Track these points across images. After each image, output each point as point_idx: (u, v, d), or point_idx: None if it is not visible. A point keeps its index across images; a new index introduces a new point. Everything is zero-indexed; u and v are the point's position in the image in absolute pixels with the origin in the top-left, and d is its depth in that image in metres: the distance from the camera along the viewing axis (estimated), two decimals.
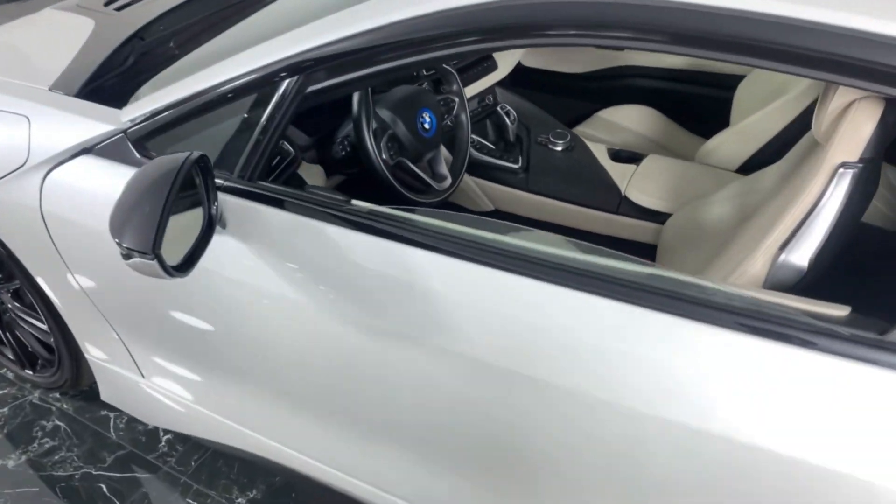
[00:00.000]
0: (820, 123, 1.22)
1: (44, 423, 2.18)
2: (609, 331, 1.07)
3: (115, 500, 1.95)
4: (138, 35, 1.86)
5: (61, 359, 2.06)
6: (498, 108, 2.39)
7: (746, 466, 1.04)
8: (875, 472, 0.96)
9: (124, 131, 1.43)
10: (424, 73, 2.07)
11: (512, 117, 2.39)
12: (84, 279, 1.65)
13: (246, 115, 1.34)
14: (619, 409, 1.09)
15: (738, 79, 2.39)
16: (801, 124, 1.93)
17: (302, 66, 1.24)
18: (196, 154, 1.19)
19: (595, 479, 1.21)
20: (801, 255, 1.20)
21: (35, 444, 2.12)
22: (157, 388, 1.79)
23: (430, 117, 1.81)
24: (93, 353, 1.91)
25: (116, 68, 1.76)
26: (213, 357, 1.59)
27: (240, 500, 1.93)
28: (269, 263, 1.30)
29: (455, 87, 2.01)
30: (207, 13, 1.99)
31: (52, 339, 2.02)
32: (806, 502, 1.02)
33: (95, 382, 2.02)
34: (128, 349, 1.76)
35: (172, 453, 2.06)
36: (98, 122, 1.47)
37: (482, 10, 1.08)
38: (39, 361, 2.18)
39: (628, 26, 1.01)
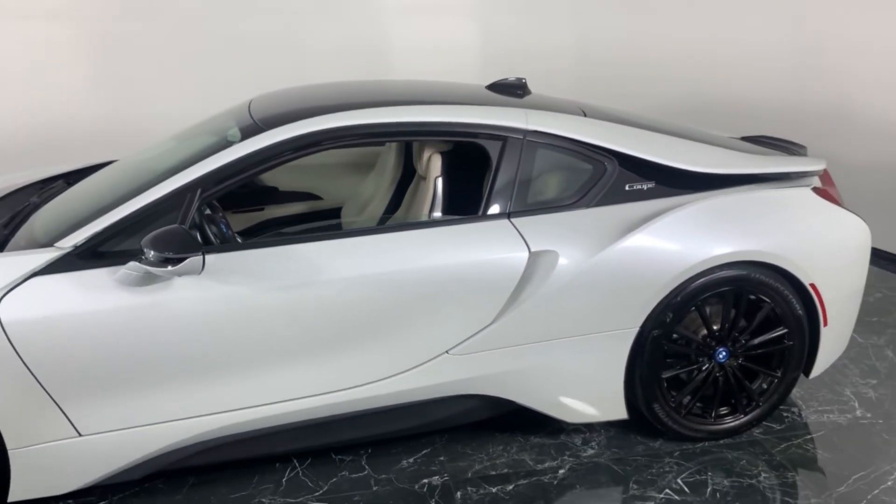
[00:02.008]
0: (421, 166, 2.69)
1: None
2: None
3: None
4: None
5: None
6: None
7: None
8: None
9: (69, 252, 2.14)
10: None
11: None
12: (39, 368, 2.08)
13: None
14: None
15: None
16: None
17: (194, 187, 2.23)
18: None
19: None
20: None
21: None
22: (96, 433, 2.19)
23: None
24: (16, 443, 2.13)
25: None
26: (152, 377, 2.16)
27: None
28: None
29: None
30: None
31: None
32: None
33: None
34: (66, 415, 2.14)
35: None
36: (29, 258, 2.14)
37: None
38: None
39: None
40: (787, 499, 2.42)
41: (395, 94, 2.80)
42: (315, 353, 2.30)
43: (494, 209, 2.47)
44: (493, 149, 2.51)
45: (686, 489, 2.46)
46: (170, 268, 2.05)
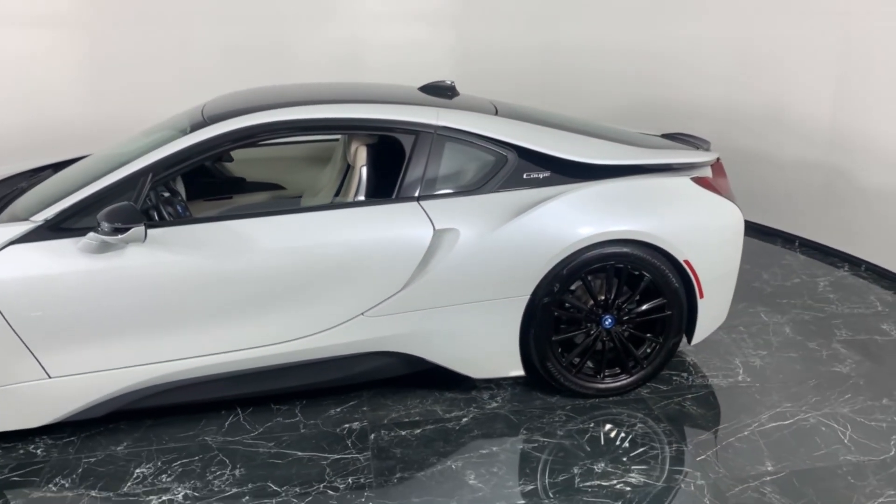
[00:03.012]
0: (350, 156, 3.12)
1: None
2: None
3: None
4: None
5: None
6: None
7: None
8: None
9: (41, 225, 2.61)
10: None
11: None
12: (15, 319, 2.52)
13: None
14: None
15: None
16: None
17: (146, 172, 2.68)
18: None
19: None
20: None
21: None
22: (63, 375, 2.61)
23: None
24: None
25: None
26: (110, 328, 2.59)
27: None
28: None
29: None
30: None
31: None
32: None
33: None
34: (38, 359, 2.57)
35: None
36: (7, 229, 2.61)
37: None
38: None
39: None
40: (653, 444, 2.81)
41: (329, 95, 3.23)
42: (245, 312, 2.74)
43: (406, 193, 2.89)
44: (407, 142, 2.93)
45: (567, 435, 2.86)
46: (118, 236, 2.50)
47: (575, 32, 5.65)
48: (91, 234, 2.56)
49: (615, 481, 2.57)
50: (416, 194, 2.88)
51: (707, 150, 3.41)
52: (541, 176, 2.98)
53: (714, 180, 3.20)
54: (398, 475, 2.63)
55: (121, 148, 3.13)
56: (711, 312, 3.13)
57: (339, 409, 3.07)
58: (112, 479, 2.64)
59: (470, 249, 2.83)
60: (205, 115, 2.96)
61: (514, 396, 3.14)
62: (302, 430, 2.92)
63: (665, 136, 3.68)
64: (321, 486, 2.58)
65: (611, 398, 3.12)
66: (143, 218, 2.56)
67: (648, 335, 3.07)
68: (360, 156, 3.02)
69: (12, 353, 2.60)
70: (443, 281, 2.84)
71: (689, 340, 3.16)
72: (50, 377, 2.68)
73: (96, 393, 2.73)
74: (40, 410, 2.71)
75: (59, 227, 2.63)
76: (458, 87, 3.47)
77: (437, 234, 2.83)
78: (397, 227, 2.82)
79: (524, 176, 2.97)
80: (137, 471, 2.68)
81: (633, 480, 2.58)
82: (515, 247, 2.85)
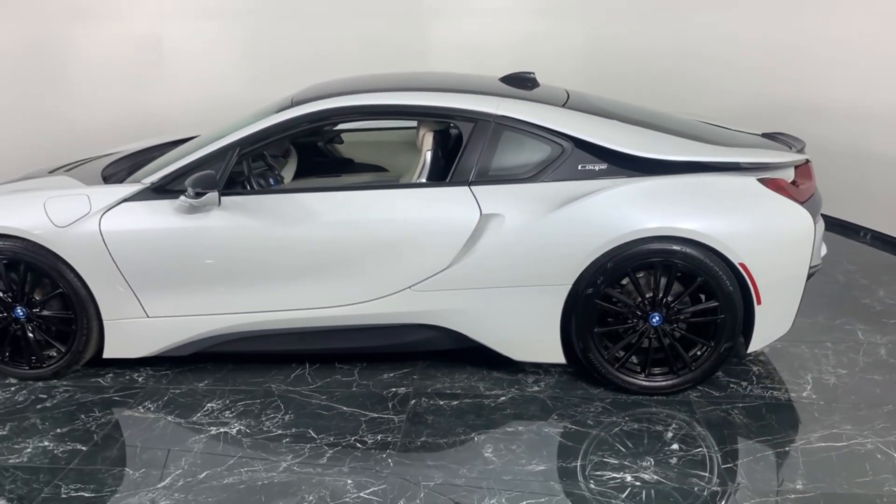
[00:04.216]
0: (418, 141, 3.33)
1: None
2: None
3: None
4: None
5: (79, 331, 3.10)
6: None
7: None
8: None
9: (148, 187, 3.11)
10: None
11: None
12: (123, 264, 3.03)
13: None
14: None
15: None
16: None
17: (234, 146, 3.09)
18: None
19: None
20: None
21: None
22: (158, 316, 3.10)
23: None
24: (108, 315, 3.09)
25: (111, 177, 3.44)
26: (196, 279, 3.02)
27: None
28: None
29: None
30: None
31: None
32: None
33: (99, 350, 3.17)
34: (139, 300, 3.05)
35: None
36: (123, 189, 3.16)
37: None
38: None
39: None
40: (682, 445, 2.77)
41: (405, 83, 3.46)
42: (304, 276, 3.06)
43: (459, 177, 3.06)
44: (465, 129, 3.09)
45: (597, 425, 2.90)
46: (198, 199, 2.92)
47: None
48: (182, 197, 3.00)
49: (626, 475, 2.59)
50: (469, 179, 3.04)
51: (799, 151, 3.23)
52: (596, 168, 3.01)
53: (794, 183, 3.04)
54: (423, 439, 2.83)
55: (223, 127, 3.57)
56: (771, 320, 2.99)
57: (392, 375, 3.31)
58: (187, 408, 3.08)
59: (514, 235, 2.94)
60: (293, 99, 3.31)
61: (557, 383, 3.21)
62: (353, 389, 3.21)
63: (765, 135, 3.52)
64: (352, 438, 2.84)
65: (655, 397, 3.08)
66: (218, 185, 2.95)
67: (699, 338, 3.00)
68: (427, 141, 3.23)
69: (119, 293, 3.11)
70: (486, 263, 2.98)
71: (746, 347, 3.04)
72: (148, 316, 3.17)
73: (185, 334, 3.19)
74: (138, 344, 3.22)
75: (162, 189, 3.10)
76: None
77: (484, 218, 2.96)
78: (445, 209, 3.00)
79: (579, 167, 3.01)
80: (209, 405, 3.11)
81: (645, 477, 2.58)
82: (558, 236, 2.92)
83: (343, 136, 4.51)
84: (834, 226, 5.31)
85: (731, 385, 3.16)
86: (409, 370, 3.35)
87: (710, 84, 5.53)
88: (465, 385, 3.22)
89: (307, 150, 4.30)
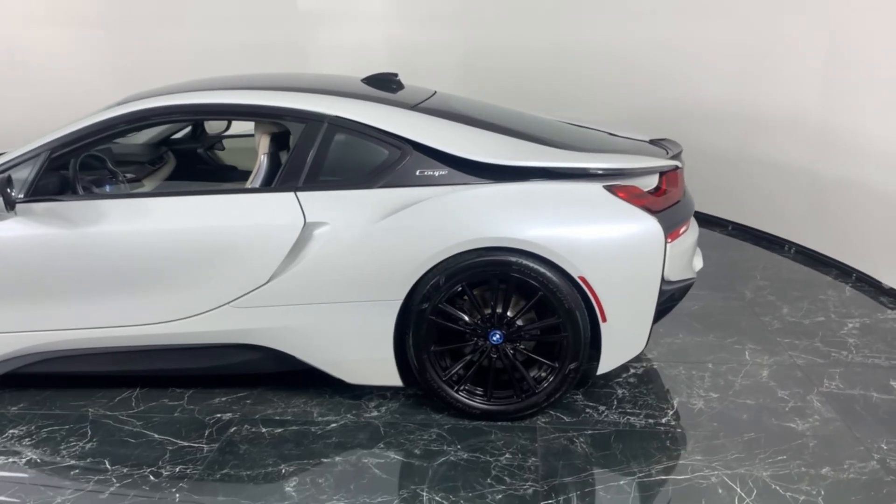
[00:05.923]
0: (256, 143, 3.08)
1: None
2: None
3: None
4: None
5: None
6: None
7: None
8: None
9: None
10: None
11: None
12: None
13: None
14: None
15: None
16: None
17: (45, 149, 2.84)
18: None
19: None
20: None
21: None
22: None
23: None
24: None
25: None
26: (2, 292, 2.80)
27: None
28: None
29: None
30: None
31: None
32: None
33: None
34: None
35: None
36: None
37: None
38: None
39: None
40: (505, 478, 2.49)
41: (245, 83, 3.21)
42: (116, 291, 2.80)
43: (286, 183, 2.81)
44: (296, 130, 2.85)
45: (421, 456, 2.61)
46: None
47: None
48: None
49: None
50: (296, 184, 2.78)
51: (674, 157, 2.96)
52: (436, 174, 2.76)
53: (658, 190, 2.78)
54: (225, 471, 2.56)
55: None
56: (620, 338, 2.72)
57: (223, 399, 3.04)
58: None
59: (339, 246, 2.69)
60: (118, 101, 3.07)
61: (399, 408, 2.94)
62: (175, 414, 2.93)
63: (652, 141, 3.27)
64: (148, 470, 2.57)
65: (500, 423, 2.80)
66: (13, 191, 2.71)
67: (543, 358, 2.73)
68: (263, 144, 2.98)
69: None
70: (310, 277, 2.72)
71: (597, 369, 2.77)
72: None
73: None
74: None
75: None
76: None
77: (308, 227, 2.71)
78: (267, 217, 2.75)
79: (417, 173, 2.76)
80: (11, 430, 2.84)
81: None
82: (385, 247, 2.66)
83: (224, 142, 4.27)
84: (759, 239, 5.06)
85: (587, 409, 2.89)
86: (244, 394, 3.07)
87: (616, 91, 5.32)
88: (299, 411, 2.94)
89: (185, 157, 4.07)
